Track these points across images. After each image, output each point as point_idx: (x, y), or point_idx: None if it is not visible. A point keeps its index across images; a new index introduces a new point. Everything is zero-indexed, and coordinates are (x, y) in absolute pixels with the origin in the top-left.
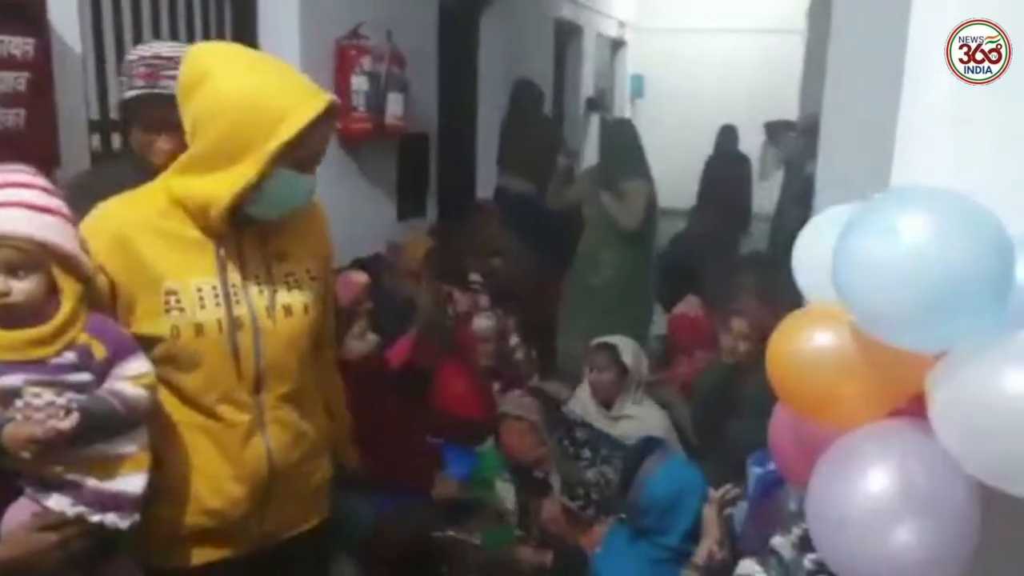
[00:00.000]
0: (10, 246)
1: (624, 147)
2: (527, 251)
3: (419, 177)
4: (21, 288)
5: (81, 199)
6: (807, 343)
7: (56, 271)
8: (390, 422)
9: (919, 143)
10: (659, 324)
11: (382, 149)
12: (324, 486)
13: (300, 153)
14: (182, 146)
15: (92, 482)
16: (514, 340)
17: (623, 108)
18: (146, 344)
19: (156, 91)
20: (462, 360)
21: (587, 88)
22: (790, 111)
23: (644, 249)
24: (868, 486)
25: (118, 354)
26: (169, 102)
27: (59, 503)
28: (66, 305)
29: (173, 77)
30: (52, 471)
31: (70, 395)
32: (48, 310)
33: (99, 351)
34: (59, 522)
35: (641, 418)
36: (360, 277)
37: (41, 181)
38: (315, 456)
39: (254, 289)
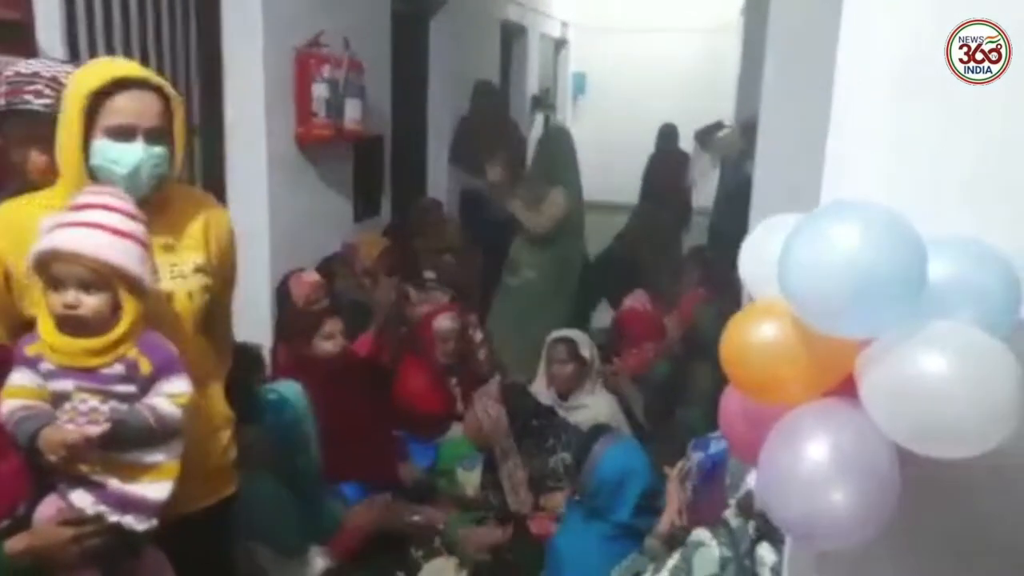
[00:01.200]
0: (86, 265)
1: (555, 154)
2: (480, 248)
3: (374, 178)
4: (90, 303)
5: None
6: (754, 334)
7: (121, 290)
8: (354, 416)
9: (850, 149)
10: (603, 318)
11: (339, 152)
12: (227, 464)
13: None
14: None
15: (115, 483)
16: (478, 336)
17: (566, 105)
18: None
19: (17, 107)
20: (422, 356)
21: (532, 87)
22: (727, 106)
23: (563, 252)
24: (808, 455)
25: (161, 371)
26: (32, 118)
27: (82, 500)
28: (124, 322)
29: (34, 93)
30: (80, 470)
31: (113, 403)
32: (111, 324)
33: (145, 366)
34: (79, 518)
35: (594, 407)
36: (312, 276)
37: (126, 206)
38: (212, 433)
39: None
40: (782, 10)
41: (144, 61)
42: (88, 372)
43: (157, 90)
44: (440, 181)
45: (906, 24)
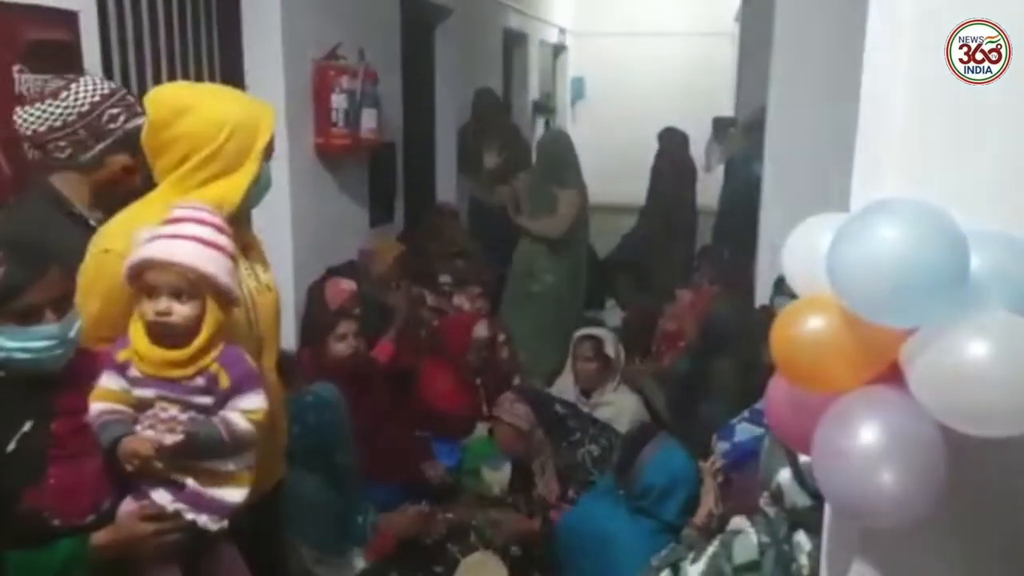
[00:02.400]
0: (179, 273)
1: (557, 157)
2: (489, 251)
3: (388, 185)
4: (181, 311)
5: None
6: (804, 327)
7: (209, 301)
8: (377, 419)
9: (879, 148)
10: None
11: (355, 160)
12: (280, 448)
13: (269, 148)
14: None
15: (193, 484)
16: (501, 338)
17: (565, 110)
18: None
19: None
20: (444, 358)
21: (533, 92)
22: (722, 109)
23: (577, 253)
24: (861, 437)
25: (239, 387)
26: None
27: (162, 498)
28: (204, 333)
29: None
30: (158, 470)
31: (192, 414)
32: (195, 334)
33: (224, 380)
34: (159, 515)
35: (617, 404)
36: (349, 284)
37: (217, 220)
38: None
39: (245, 273)
40: (787, 12)
41: (171, 75)
42: (170, 382)
43: None
44: (448, 187)
45: (925, 22)
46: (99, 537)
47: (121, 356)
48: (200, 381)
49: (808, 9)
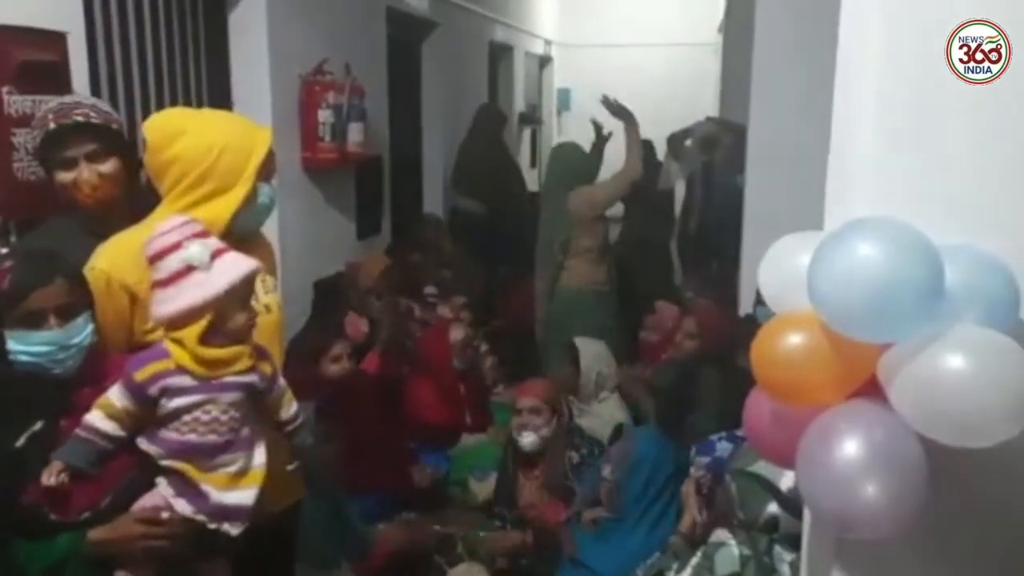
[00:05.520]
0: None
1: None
2: (476, 263)
3: (374, 197)
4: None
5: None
6: (784, 342)
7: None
8: (365, 431)
9: (851, 165)
10: None
11: (342, 174)
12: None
13: (265, 168)
14: None
15: (215, 494)
16: (483, 348)
17: (552, 121)
18: None
19: (65, 124)
20: (427, 369)
21: (519, 103)
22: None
23: None
24: (843, 451)
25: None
26: (81, 134)
27: (184, 508)
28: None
29: (82, 115)
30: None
31: (232, 414)
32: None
33: (266, 367)
34: (154, 519)
35: (601, 414)
36: (364, 326)
37: (179, 227)
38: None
39: None
40: (768, 23)
41: (159, 93)
42: (212, 384)
43: None
44: (436, 199)
45: (904, 29)
46: (95, 533)
47: (140, 376)
48: (254, 377)
49: (787, 20)
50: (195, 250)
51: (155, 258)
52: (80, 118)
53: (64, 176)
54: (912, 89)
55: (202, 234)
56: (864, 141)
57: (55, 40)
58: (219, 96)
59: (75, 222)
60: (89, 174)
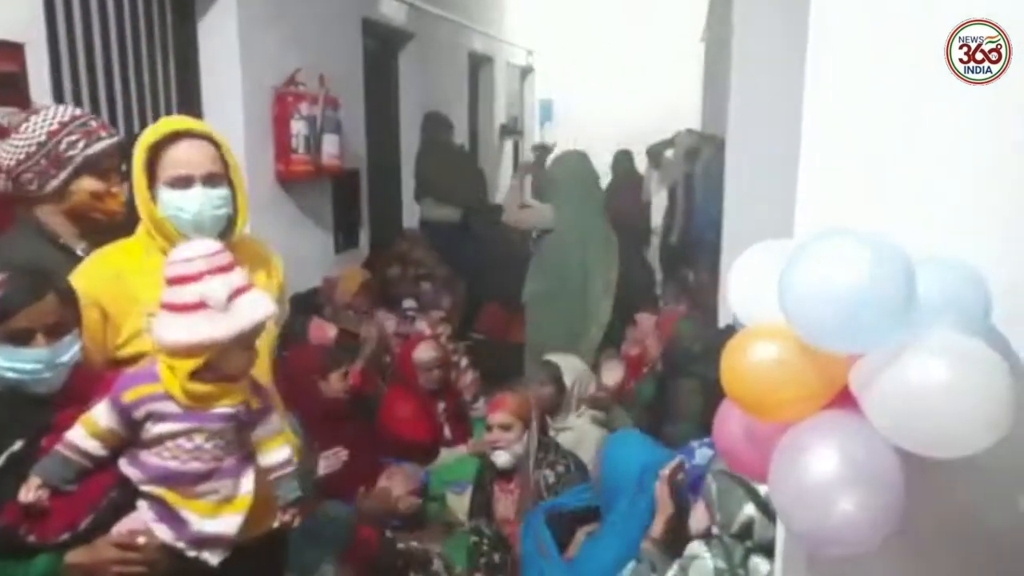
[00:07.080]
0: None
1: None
2: (454, 275)
3: (352, 211)
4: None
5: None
6: (754, 356)
7: None
8: (346, 445)
9: (822, 175)
10: None
11: (318, 187)
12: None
13: (171, 175)
14: None
15: (196, 522)
16: (463, 363)
17: (534, 132)
18: (133, 360)
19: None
20: (406, 385)
21: (500, 114)
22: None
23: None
24: (818, 465)
25: (267, 408)
26: (104, 152)
27: (164, 534)
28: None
29: (98, 129)
30: (166, 495)
31: (216, 442)
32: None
33: (255, 403)
34: (131, 544)
35: (579, 430)
36: (332, 331)
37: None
38: None
39: None
40: (746, 31)
41: (126, 104)
42: (200, 414)
43: (208, 139)
44: (414, 212)
45: (904, 28)
46: (72, 556)
47: (128, 397)
48: (240, 409)
49: (765, 28)
50: (214, 287)
51: (173, 282)
52: (103, 133)
53: (96, 185)
54: (897, 94)
55: (228, 267)
56: (833, 149)
57: (12, 51)
58: (188, 105)
59: (35, 231)
60: (119, 189)
